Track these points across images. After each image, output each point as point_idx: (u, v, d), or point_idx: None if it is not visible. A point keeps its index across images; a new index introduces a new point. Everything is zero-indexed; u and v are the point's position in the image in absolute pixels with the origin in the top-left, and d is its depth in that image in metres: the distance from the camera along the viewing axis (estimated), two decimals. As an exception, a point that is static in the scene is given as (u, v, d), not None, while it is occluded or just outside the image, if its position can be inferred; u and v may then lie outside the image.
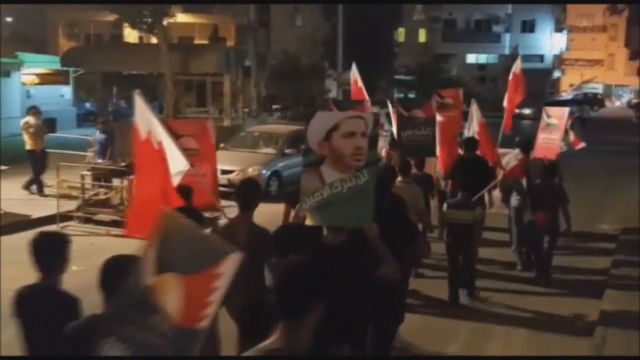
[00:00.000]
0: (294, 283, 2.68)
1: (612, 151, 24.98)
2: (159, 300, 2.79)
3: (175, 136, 6.42)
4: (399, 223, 5.28)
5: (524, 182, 9.32)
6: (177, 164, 6.10)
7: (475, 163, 9.15)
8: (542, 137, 10.57)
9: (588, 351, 6.91)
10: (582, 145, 11.86)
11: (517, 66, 11.96)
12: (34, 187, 13.74)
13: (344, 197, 4.30)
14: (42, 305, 3.88)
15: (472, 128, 10.61)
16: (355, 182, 4.29)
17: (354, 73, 12.46)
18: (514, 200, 9.68)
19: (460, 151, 9.95)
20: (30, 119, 13.98)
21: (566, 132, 10.86)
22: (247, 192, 5.24)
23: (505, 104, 11.71)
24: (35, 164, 13.78)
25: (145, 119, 6.23)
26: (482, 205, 8.74)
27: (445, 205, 8.45)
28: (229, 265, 2.71)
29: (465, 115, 11.15)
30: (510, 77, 11.65)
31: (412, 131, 9.17)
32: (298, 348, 2.65)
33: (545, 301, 8.56)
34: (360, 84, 12.19)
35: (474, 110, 10.61)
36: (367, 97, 11.94)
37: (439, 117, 9.69)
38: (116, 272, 3.40)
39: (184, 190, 6.30)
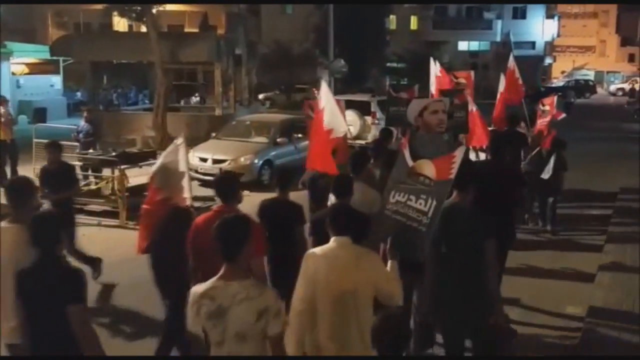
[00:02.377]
0: None
1: (604, 138, 25.07)
2: (421, 170, 4.84)
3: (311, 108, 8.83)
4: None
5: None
6: (339, 127, 8.00)
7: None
8: (539, 122, 12.02)
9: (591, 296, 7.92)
10: (562, 115, 13.35)
11: (511, 62, 12.20)
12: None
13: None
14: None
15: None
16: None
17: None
18: (524, 166, 10.71)
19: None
20: None
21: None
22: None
23: (498, 95, 11.99)
24: (4, 154, 13.64)
25: (326, 97, 7.88)
26: None
27: None
28: (459, 153, 4.84)
29: None
30: (505, 74, 12.08)
31: (397, 107, 10.90)
32: None
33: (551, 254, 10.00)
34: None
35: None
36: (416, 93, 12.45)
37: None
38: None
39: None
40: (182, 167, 5.75)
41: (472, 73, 12.27)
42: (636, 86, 53.81)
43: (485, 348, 5.08)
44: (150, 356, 5.66)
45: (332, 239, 4.22)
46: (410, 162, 4.98)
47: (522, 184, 7.61)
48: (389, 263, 4.43)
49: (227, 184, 5.14)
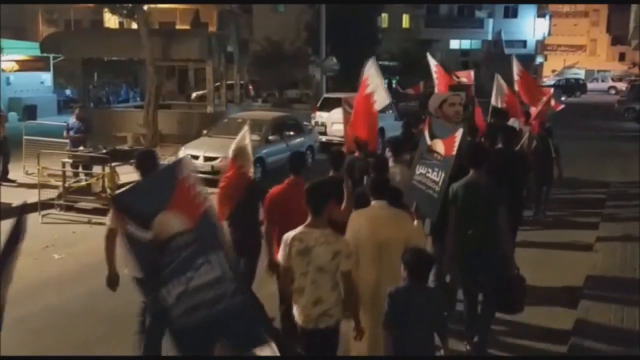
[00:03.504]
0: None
1: (591, 137, 25.17)
2: (436, 148, 5.63)
3: (350, 106, 9.86)
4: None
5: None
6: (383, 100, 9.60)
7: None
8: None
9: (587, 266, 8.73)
10: (561, 106, 13.71)
11: (518, 68, 12.30)
12: None
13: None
14: None
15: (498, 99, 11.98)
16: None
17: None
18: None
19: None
20: None
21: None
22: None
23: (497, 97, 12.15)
24: None
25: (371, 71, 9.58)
26: None
27: None
28: (458, 134, 5.84)
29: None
30: (517, 82, 12.25)
31: (405, 103, 12.51)
32: None
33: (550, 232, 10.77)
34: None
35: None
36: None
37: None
38: None
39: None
40: (250, 148, 7.04)
41: (472, 72, 12.93)
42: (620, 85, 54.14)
43: (502, 295, 6.11)
44: (151, 356, 5.64)
45: (372, 203, 5.35)
46: (429, 142, 6.33)
47: (528, 171, 8.59)
48: (416, 222, 5.63)
49: (300, 160, 6.38)
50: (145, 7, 19.73)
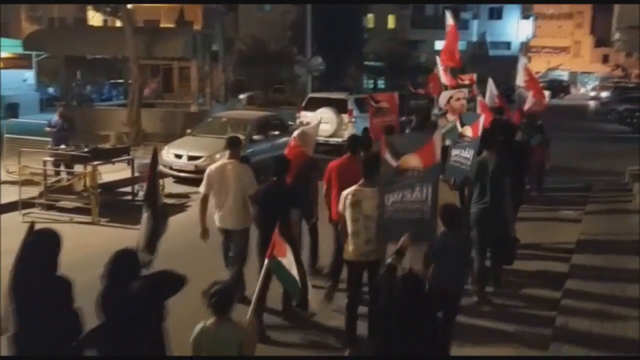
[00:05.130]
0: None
1: (578, 138, 25.33)
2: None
3: (375, 101, 11.52)
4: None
5: None
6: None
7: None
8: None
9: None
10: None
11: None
12: None
13: None
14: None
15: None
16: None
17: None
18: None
19: None
20: None
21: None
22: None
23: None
24: None
25: None
26: None
27: None
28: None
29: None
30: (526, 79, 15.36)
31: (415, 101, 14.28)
32: None
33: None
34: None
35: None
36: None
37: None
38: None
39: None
40: (315, 135, 9.30)
41: (475, 75, 14.49)
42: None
43: (503, 252, 8.08)
44: (150, 356, 5.58)
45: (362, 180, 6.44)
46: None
47: (528, 156, 10.70)
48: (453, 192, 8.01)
49: (358, 143, 8.05)
50: (130, 5, 19.60)
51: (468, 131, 8.44)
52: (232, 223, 7.52)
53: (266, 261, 5.33)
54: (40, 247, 4.38)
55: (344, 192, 6.40)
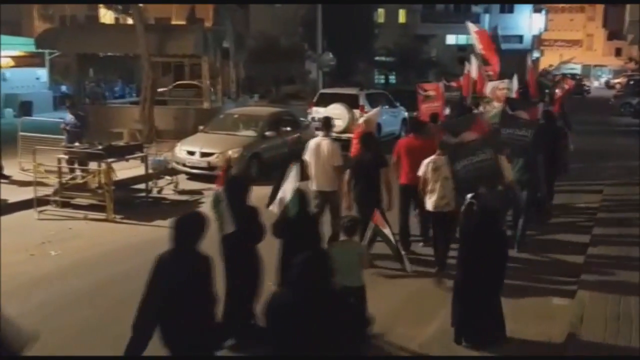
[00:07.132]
0: None
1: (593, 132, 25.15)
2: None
3: (423, 89, 14.19)
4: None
5: None
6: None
7: None
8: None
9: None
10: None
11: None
12: None
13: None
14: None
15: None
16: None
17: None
18: None
19: None
20: None
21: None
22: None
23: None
24: None
25: None
26: None
27: None
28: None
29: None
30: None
31: (450, 93, 14.72)
32: None
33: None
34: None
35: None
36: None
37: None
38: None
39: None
40: (375, 119, 12.26)
41: (442, 84, 15.31)
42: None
43: (534, 213, 10.25)
44: (150, 356, 5.63)
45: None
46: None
47: (564, 139, 12.35)
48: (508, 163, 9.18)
49: (417, 124, 10.43)
50: (141, 3, 19.66)
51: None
52: (326, 186, 9.21)
53: (372, 225, 7.02)
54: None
55: (425, 160, 8.53)
